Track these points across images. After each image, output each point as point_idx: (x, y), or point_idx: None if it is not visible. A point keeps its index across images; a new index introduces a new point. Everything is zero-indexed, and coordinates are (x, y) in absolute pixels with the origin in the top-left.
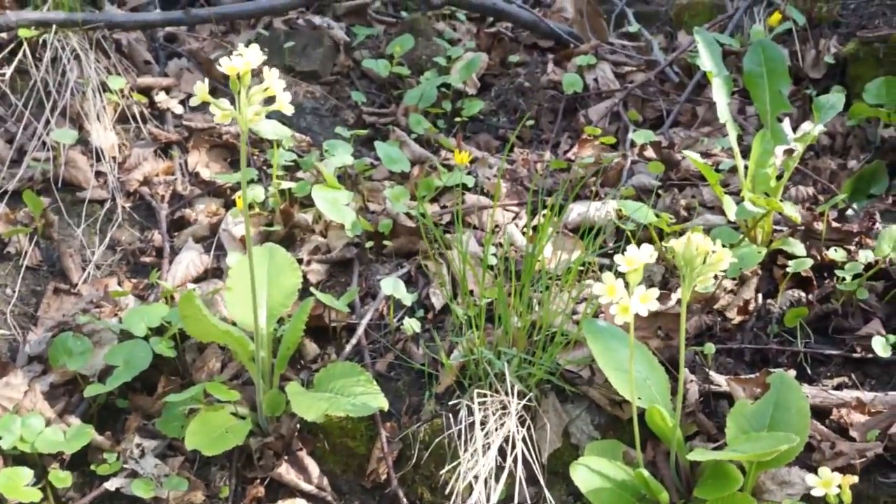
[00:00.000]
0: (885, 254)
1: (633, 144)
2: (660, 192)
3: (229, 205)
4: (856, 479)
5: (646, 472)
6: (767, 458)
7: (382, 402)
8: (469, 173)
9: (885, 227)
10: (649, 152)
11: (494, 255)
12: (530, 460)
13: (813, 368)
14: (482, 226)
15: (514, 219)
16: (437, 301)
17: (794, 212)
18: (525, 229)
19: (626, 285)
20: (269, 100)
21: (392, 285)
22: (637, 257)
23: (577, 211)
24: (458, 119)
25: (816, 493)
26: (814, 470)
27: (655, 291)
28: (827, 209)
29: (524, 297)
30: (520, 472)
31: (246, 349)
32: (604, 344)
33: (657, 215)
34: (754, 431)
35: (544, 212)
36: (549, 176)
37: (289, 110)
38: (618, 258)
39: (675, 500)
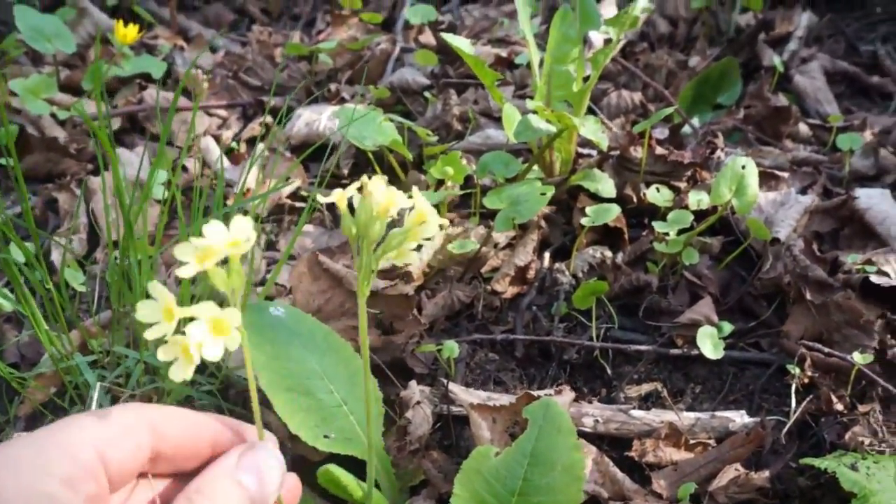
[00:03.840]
0: (723, 199)
1: (408, 25)
2: (430, 94)
3: None
4: None
5: None
6: None
7: None
8: (165, 59)
9: (728, 157)
10: (429, 37)
11: (166, 184)
12: None
13: (615, 368)
14: (174, 138)
15: (220, 127)
16: (59, 258)
17: (595, 132)
18: (234, 143)
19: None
20: None
21: None
22: (217, 241)
23: (305, 119)
24: None
25: None
26: None
27: (235, 316)
28: (648, 128)
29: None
30: None
31: None
32: (272, 348)
33: (407, 130)
34: (495, 501)
35: (259, 120)
36: (286, 67)
37: None
38: (179, 250)
39: None
